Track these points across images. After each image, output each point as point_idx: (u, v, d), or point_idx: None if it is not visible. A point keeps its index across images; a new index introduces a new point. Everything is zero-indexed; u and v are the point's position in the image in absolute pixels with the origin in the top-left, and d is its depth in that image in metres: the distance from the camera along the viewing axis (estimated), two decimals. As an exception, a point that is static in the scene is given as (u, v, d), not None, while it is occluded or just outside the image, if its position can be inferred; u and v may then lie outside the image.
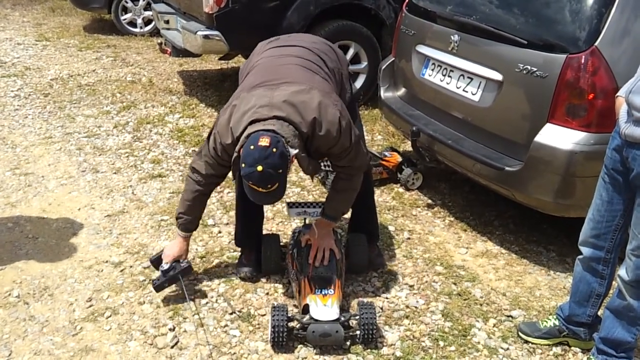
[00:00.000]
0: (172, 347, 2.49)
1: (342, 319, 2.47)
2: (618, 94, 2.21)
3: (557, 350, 2.56)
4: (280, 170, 2.23)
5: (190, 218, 2.72)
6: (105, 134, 4.80)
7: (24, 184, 3.90)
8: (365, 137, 4.76)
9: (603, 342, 2.33)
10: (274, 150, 2.19)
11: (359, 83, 5.43)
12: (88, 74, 6.47)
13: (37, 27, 8.82)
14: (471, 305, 2.82)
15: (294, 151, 2.27)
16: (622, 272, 2.21)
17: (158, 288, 2.73)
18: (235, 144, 2.36)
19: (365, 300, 2.74)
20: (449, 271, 3.08)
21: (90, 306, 2.73)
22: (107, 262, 3.07)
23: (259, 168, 2.18)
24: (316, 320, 2.44)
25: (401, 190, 3.98)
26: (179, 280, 2.73)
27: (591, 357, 2.40)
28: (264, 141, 2.20)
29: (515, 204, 3.28)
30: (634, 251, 2.13)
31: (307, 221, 3.00)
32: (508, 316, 2.76)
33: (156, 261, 2.79)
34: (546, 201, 2.97)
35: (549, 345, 2.57)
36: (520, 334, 2.61)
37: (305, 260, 2.65)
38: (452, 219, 3.64)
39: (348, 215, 3.12)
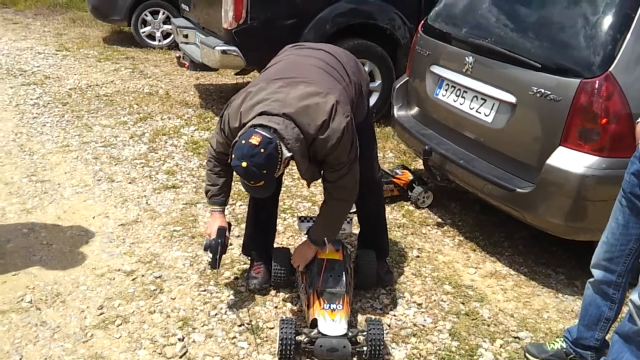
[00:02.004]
0: (181, 357, 2.51)
1: (350, 334, 2.48)
2: (639, 120, 2.22)
3: (565, 373, 2.55)
4: (265, 171, 2.25)
5: (215, 189, 2.71)
6: (121, 144, 4.87)
7: (40, 190, 3.96)
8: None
9: (611, 367, 2.32)
10: (262, 150, 2.21)
11: (372, 101, 5.46)
12: (106, 85, 6.58)
13: (58, 37, 8.99)
14: (479, 325, 2.82)
15: (287, 154, 2.29)
16: (634, 296, 2.19)
17: (212, 265, 2.73)
18: (240, 129, 2.37)
19: (373, 316, 2.76)
20: (457, 290, 3.08)
21: (102, 314, 2.76)
22: (119, 270, 3.10)
23: (244, 164, 2.22)
24: (324, 334, 2.45)
25: (411, 208, 3.99)
26: (220, 245, 2.70)
27: (598, 381, 2.40)
28: (255, 139, 2.22)
29: (525, 226, 3.28)
30: (647, 275, 2.13)
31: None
32: (515, 337, 2.75)
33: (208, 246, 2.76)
34: (557, 224, 2.97)
35: (556, 368, 2.56)
36: (527, 355, 2.60)
37: (315, 274, 2.67)
38: (461, 238, 3.65)
39: (358, 230, 3.15)
